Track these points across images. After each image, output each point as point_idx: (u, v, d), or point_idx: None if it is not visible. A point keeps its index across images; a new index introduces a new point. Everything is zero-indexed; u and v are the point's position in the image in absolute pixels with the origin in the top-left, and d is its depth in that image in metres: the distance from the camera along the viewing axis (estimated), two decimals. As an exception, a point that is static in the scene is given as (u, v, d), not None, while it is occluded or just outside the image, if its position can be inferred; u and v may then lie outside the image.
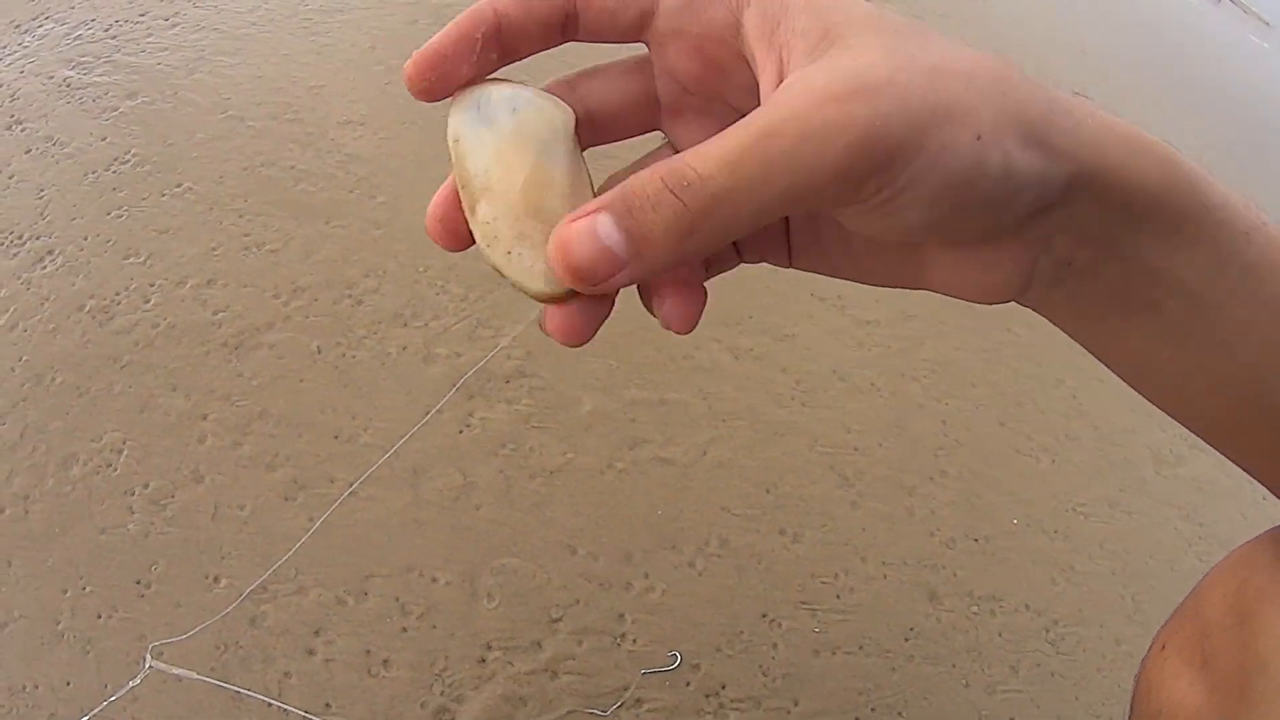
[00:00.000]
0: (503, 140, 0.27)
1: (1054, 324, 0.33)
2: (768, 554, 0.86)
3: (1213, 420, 0.33)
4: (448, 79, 0.28)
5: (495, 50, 0.29)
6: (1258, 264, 0.29)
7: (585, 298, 0.27)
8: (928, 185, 0.25)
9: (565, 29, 0.29)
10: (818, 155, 0.23)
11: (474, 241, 0.28)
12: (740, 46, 0.28)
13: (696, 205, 0.23)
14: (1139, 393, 0.34)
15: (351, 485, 0.82)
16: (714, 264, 0.34)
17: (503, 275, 0.27)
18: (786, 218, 0.34)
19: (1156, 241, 0.28)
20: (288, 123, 1.13)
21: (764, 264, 0.36)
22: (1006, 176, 0.25)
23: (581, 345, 0.28)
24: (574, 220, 0.24)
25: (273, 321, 0.93)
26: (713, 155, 0.24)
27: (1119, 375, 0.34)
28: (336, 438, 0.86)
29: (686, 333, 0.29)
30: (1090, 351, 0.33)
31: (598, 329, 0.29)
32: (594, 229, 0.24)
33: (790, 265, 0.34)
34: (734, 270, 0.36)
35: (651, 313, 0.30)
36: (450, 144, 0.27)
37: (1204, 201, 0.29)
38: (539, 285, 0.27)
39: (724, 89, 0.31)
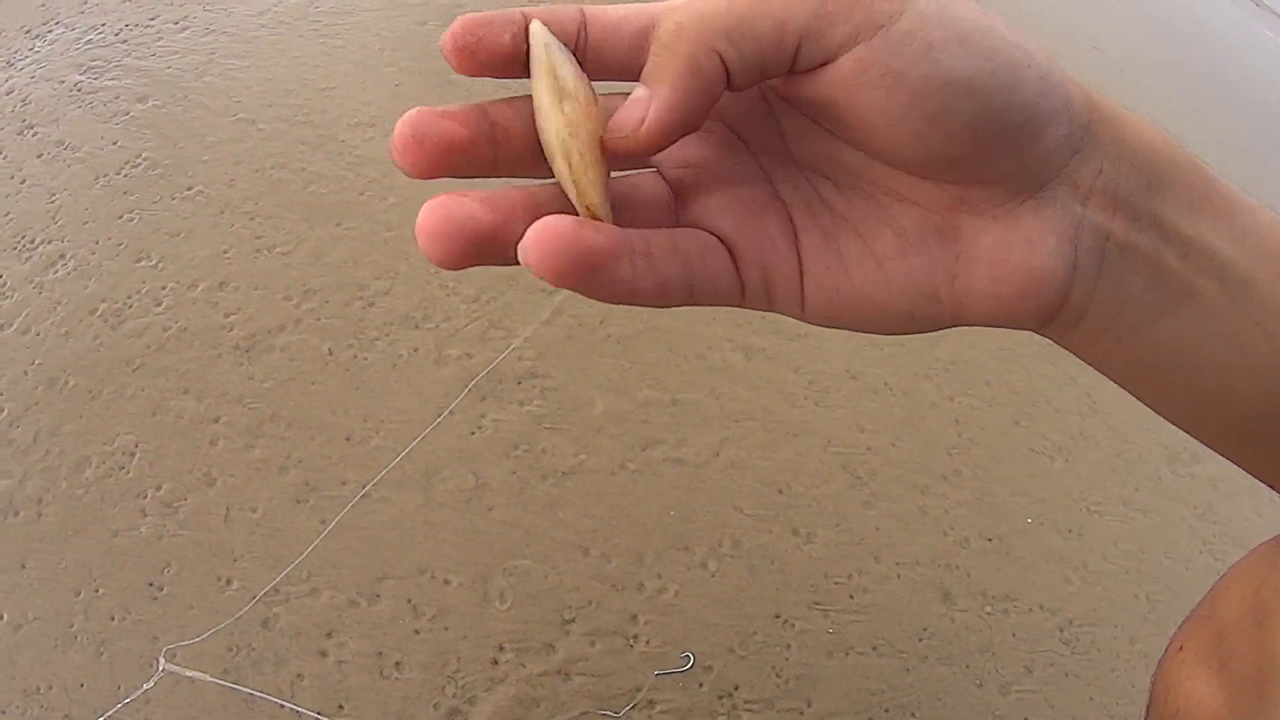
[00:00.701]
0: (581, 82, 0.28)
1: (1089, 353, 0.31)
2: (780, 554, 0.86)
3: (1251, 429, 0.31)
4: (487, 42, 0.27)
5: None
6: (1271, 239, 0.29)
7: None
8: (949, 23, 0.24)
9: (577, 49, 0.29)
10: None
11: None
12: None
13: (689, 19, 0.24)
14: (1173, 416, 0.32)
15: (364, 487, 0.82)
16: (699, 274, 0.29)
17: (566, 170, 0.27)
18: (796, 241, 0.30)
19: (1176, 206, 0.28)
20: (298, 125, 1.13)
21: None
22: (1023, 49, 0.25)
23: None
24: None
25: (284, 324, 0.93)
26: None
27: (1153, 398, 0.32)
28: (348, 440, 0.86)
29: (548, 274, 0.24)
30: (1122, 377, 0.32)
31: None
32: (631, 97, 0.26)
33: (803, 307, 0.30)
34: None
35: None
36: (541, 46, 0.27)
37: (1205, 172, 0.29)
38: (591, 199, 0.27)
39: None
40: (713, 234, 0.29)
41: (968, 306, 0.28)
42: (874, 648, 0.82)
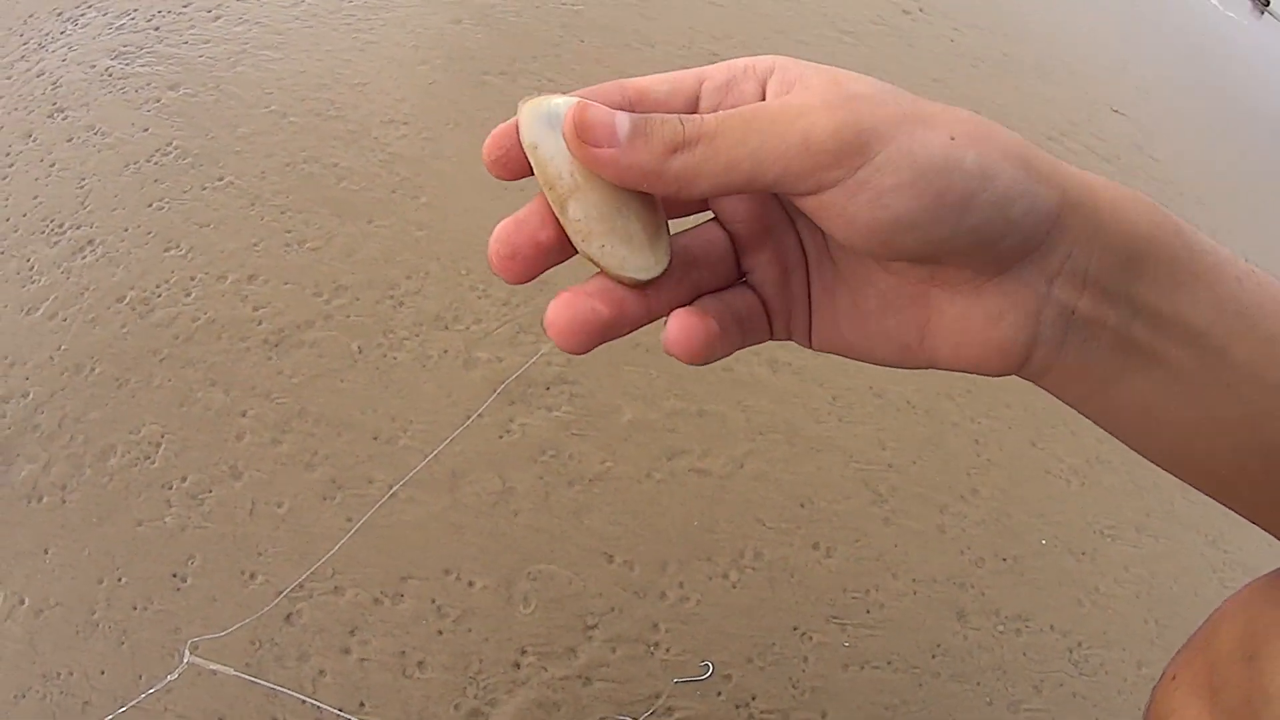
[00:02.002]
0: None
1: (1061, 398, 0.33)
2: (800, 567, 0.87)
3: (1221, 476, 0.32)
4: (516, 153, 0.30)
5: None
6: (1254, 305, 0.30)
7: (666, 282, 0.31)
8: (903, 169, 0.26)
9: None
10: (793, 124, 0.27)
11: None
12: None
13: (691, 131, 0.27)
14: (1147, 457, 0.34)
15: (392, 488, 0.82)
16: (749, 331, 0.34)
17: (597, 265, 0.30)
18: (809, 286, 0.34)
19: (1154, 284, 0.29)
20: (331, 120, 1.13)
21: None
22: (984, 176, 0.27)
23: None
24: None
25: (313, 320, 0.93)
26: (716, 113, 0.28)
27: (1126, 441, 0.34)
28: (376, 439, 0.86)
29: (688, 359, 0.30)
30: (1096, 421, 0.33)
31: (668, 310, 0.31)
32: (612, 112, 0.28)
33: (810, 343, 0.35)
34: None
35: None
36: (527, 149, 0.29)
37: (1193, 245, 0.30)
38: (631, 274, 0.30)
39: None
40: (758, 293, 0.34)
41: (938, 360, 0.32)
42: (889, 662, 0.83)
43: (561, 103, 0.29)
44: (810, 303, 0.34)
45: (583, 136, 0.28)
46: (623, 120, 0.28)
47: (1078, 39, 1.92)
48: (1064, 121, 1.45)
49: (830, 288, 0.34)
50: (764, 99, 0.30)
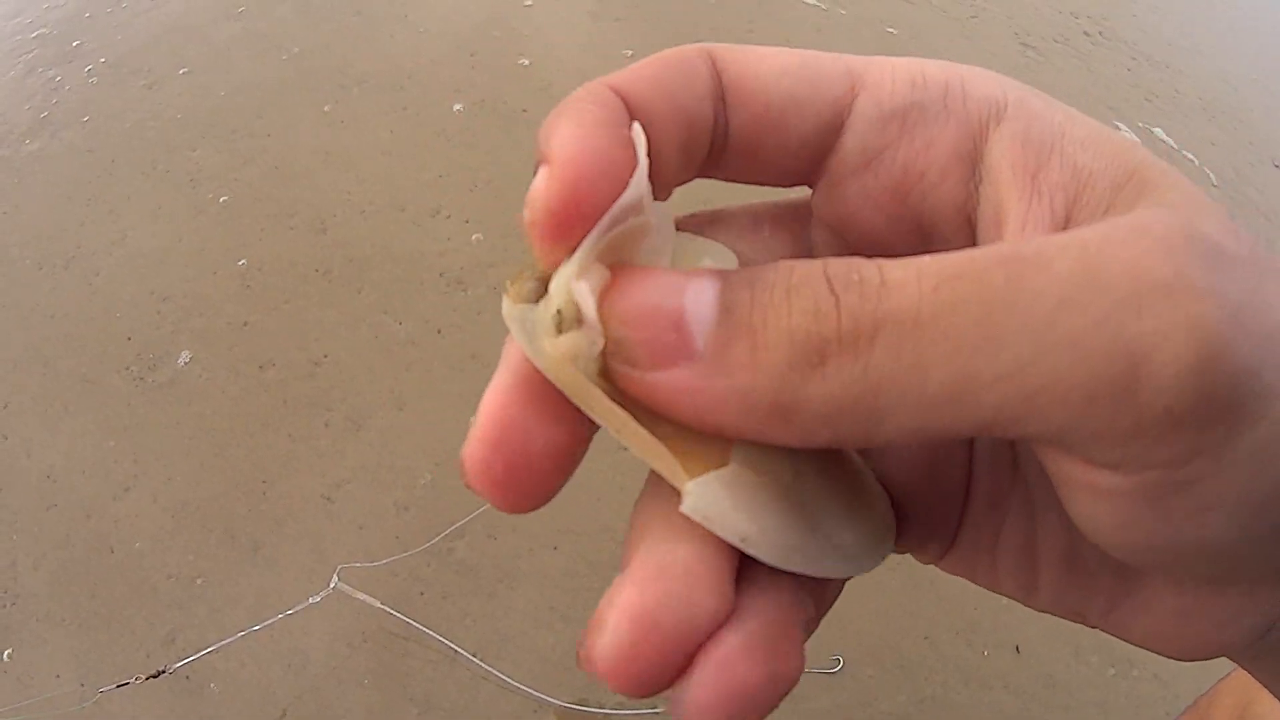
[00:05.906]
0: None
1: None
2: (941, 577, 0.87)
3: None
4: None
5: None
6: None
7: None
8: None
9: (711, 154, 0.17)
10: (1112, 338, 0.11)
11: None
12: (975, 186, 0.17)
13: (856, 315, 0.12)
14: None
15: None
16: None
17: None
18: (966, 498, 0.19)
19: None
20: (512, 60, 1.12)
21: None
22: None
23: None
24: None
25: (495, 263, 0.93)
26: (916, 263, 0.13)
27: None
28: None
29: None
30: None
31: None
32: (681, 287, 0.13)
33: (938, 562, 0.20)
34: None
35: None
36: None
37: None
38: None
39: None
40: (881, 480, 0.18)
41: (1115, 632, 0.19)
42: (1005, 686, 0.84)
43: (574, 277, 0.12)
44: (962, 519, 0.19)
45: (636, 357, 0.12)
46: (704, 295, 0.12)
47: (1249, 87, 1.82)
48: (1228, 169, 1.41)
49: (997, 506, 0.19)
50: (972, 160, 0.17)
